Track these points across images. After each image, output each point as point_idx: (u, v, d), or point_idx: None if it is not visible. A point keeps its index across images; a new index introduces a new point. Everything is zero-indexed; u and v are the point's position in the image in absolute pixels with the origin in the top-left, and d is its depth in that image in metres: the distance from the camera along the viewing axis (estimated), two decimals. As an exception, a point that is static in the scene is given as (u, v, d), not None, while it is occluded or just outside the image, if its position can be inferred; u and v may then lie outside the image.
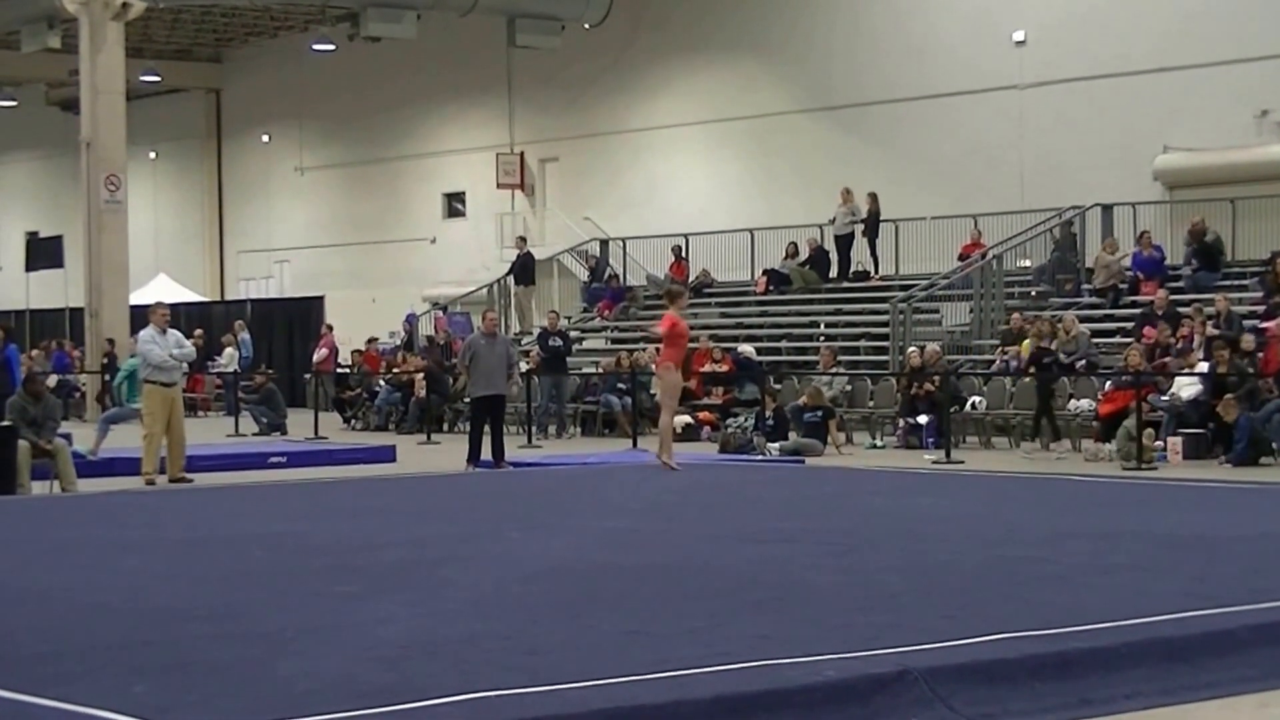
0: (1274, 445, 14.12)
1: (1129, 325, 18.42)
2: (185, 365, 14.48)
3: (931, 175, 23.98)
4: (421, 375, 21.20)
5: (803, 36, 25.89)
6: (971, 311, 20.54)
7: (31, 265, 29.16)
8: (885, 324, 20.58)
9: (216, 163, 36.69)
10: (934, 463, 14.76)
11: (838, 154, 25.13)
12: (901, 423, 17.20)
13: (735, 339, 21.54)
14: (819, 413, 16.80)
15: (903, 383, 17.55)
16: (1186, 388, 15.26)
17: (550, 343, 20.92)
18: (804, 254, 23.68)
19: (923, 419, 16.82)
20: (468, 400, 16.16)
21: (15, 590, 7.00)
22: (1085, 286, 20.38)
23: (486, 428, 14.60)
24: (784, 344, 22.29)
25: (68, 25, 26.34)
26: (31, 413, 12.64)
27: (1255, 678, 5.33)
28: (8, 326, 24.51)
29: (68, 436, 13.74)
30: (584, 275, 26.96)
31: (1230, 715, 4.96)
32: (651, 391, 17.68)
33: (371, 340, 25.31)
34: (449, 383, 20.70)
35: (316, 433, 19.98)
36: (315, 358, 25.34)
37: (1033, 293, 20.92)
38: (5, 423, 12.54)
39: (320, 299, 30.07)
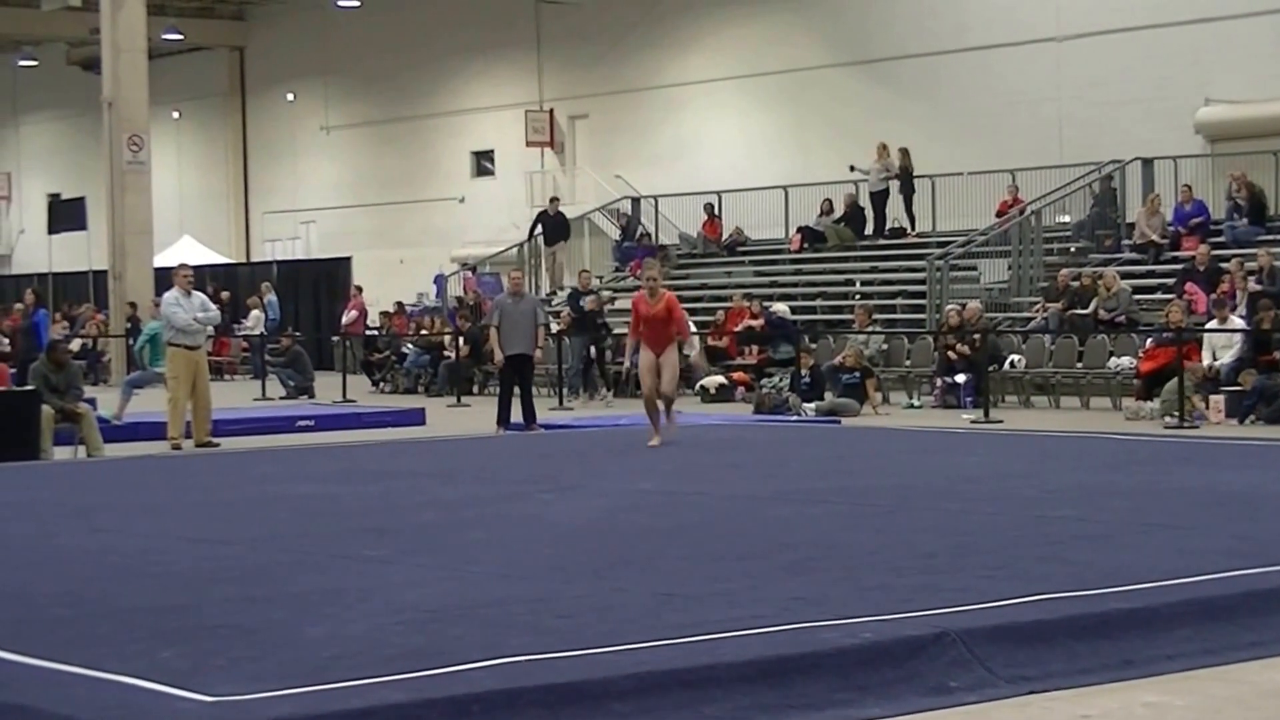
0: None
1: (1170, 281, 18.15)
2: (210, 328, 14.42)
3: (968, 130, 23.67)
4: (462, 338, 21.07)
5: (837, -11, 25.59)
6: (1010, 268, 20.30)
7: (54, 228, 29.02)
8: (922, 282, 20.35)
9: (241, 122, 36.52)
10: (972, 422, 14.60)
11: (873, 108, 24.83)
12: (939, 382, 17.01)
13: (769, 298, 21.36)
14: (856, 374, 16.63)
15: (941, 341, 17.36)
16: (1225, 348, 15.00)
17: (581, 303, 20.80)
18: (839, 211, 23.45)
19: (960, 378, 16.63)
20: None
21: (40, 555, 6.98)
22: (1125, 242, 20.11)
23: (516, 390, 14.54)
24: (819, 302, 22.10)
25: (88, -18, 26.26)
26: (53, 380, 12.64)
27: (1300, 636, 5.21)
28: (39, 292, 24.62)
29: (91, 401, 13.73)
30: (615, 234, 26.81)
31: (1274, 674, 4.86)
32: (685, 352, 17.44)
33: (399, 307, 25.16)
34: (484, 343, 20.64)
35: (344, 396, 19.94)
36: (345, 319, 25.31)
37: (1072, 249, 20.66)
38: (28, 387, 12.55)
39: (347, 260, 30.01)
